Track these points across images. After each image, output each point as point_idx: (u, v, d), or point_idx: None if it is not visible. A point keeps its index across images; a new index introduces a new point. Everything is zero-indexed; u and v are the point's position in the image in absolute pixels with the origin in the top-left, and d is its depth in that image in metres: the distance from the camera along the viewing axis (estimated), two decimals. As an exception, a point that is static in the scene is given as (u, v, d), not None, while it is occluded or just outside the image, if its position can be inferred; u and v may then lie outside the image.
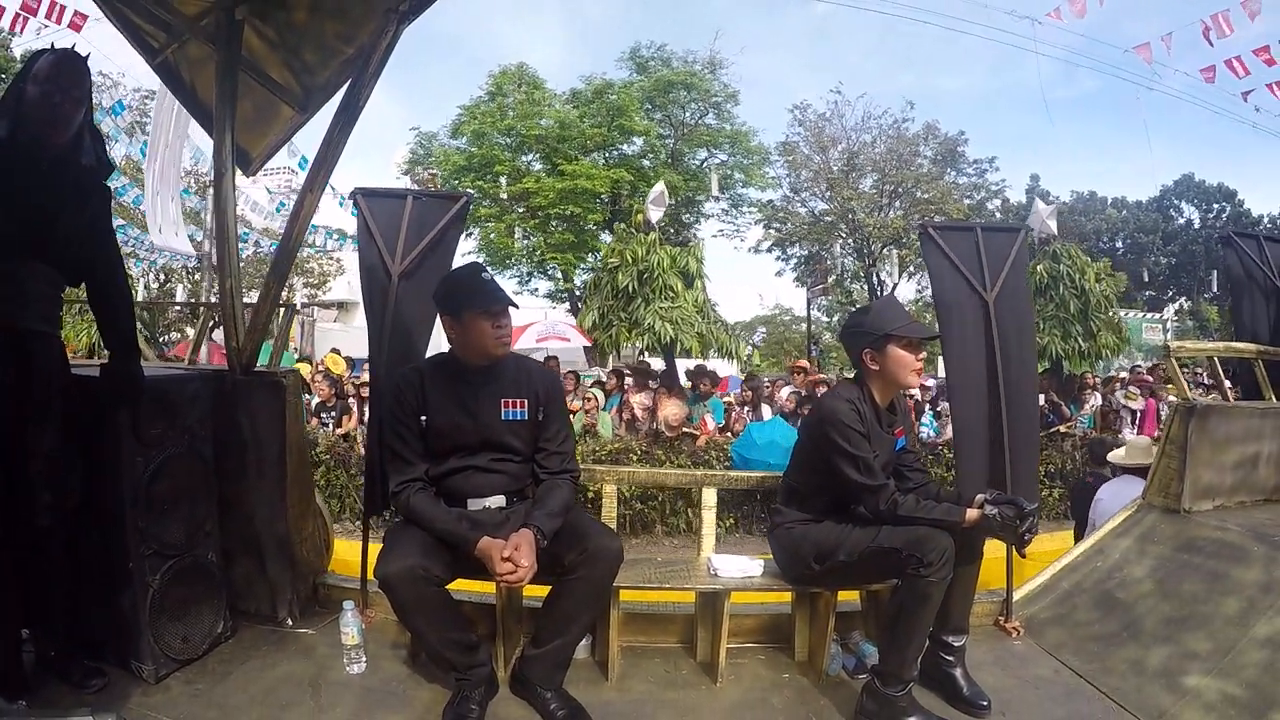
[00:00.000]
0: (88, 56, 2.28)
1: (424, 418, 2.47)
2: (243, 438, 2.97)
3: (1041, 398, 10.02)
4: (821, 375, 11.17)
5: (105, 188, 2.48)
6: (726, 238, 26.03)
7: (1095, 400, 10.86)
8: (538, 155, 21.06)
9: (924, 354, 2.66)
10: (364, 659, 2.70)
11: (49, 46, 2.29)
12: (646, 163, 21.73)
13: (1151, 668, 2.65)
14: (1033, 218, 11.78)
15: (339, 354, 12.07)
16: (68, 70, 2.24)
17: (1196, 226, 39.53)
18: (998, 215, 31.32)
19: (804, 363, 12.19)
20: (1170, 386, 11.38)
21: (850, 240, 25.55)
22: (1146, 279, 36.48)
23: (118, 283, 2.53)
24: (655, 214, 10.56)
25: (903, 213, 24.79)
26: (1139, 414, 10.29)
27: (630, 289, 10.02)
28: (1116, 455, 4.91)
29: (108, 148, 2.58)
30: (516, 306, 2.57)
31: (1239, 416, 3.53)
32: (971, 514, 2.45)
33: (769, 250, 27.18)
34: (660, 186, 11.01)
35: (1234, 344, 3.81)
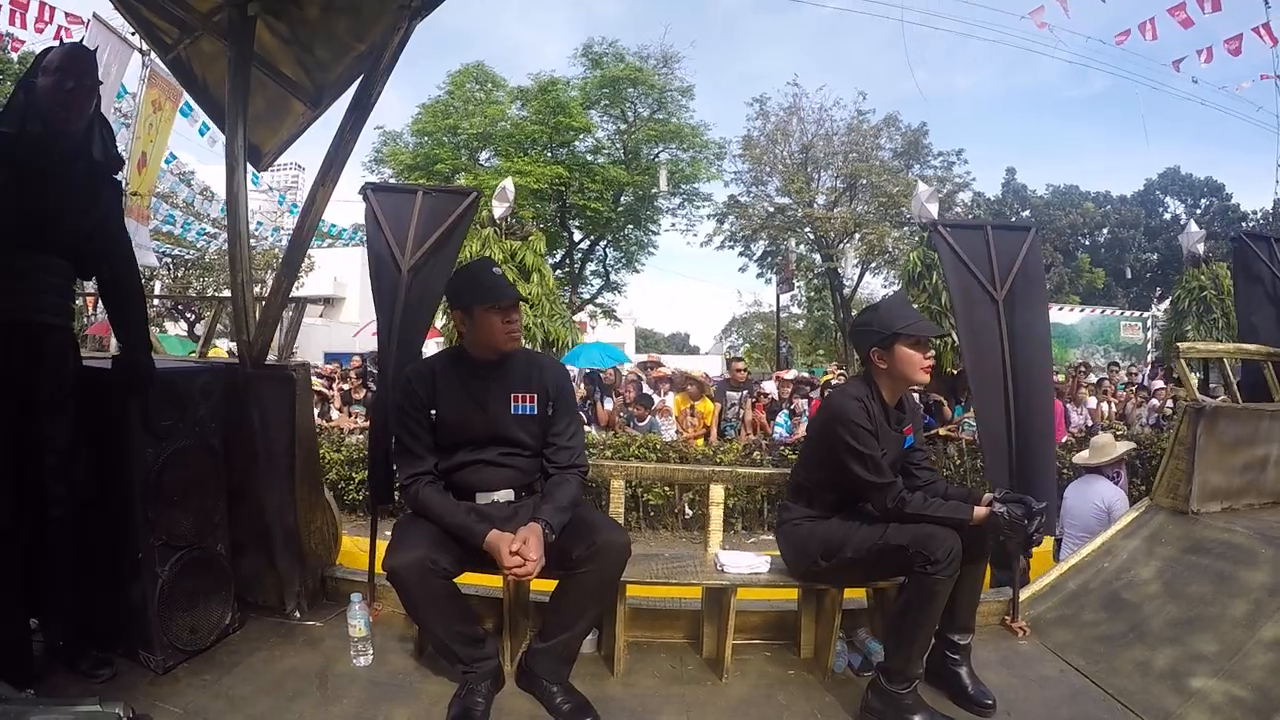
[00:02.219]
0: (96, 50, 2.31)
1: (434, 411, 2.47)
2: (252, 430, 2.98)
3: (914, 398, 9.86)
4: (665, 370, 11.20)
5: (116, 181, 2.50)
6: (679, 232, 26.02)
7: None
8: (495, 152, 21.04)
9: (933, 351, 2.66)
10: (371, 652, 2.71)
11: (57, 43, 2.32)
12: (602, 158, 21.71)
13: (1158, 669, 2.65)
14: (913, 202, 11.53)
15: (222, 349, 12.28)
16: (78, 60, 2.27)
17: (1183, 221, 39.06)
18: (979, 211, 31.26)
19: (656, 357, 12.31)
20: (1085, 390, 11.01)
21: (810, 234, 25.47)
22: (1130, 276, 35.94)
23: (130, 276, 2.55)
24: (499, 210, 10.80)
25: (866, 207, 24.82)
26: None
27: None
28: (1081, 457, 4.92)
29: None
30: (528, 302, 2.58)
31: (1248, 418, 3.52)
32: (979, 512, 2.45)
33: (725, 246, 27.03)
34: (506, 183, 11.09)
35: (1244, 345, 3.80)
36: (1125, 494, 4.85)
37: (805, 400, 9.91)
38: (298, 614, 3.01)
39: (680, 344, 53.49)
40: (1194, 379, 3.67)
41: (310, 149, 3.53)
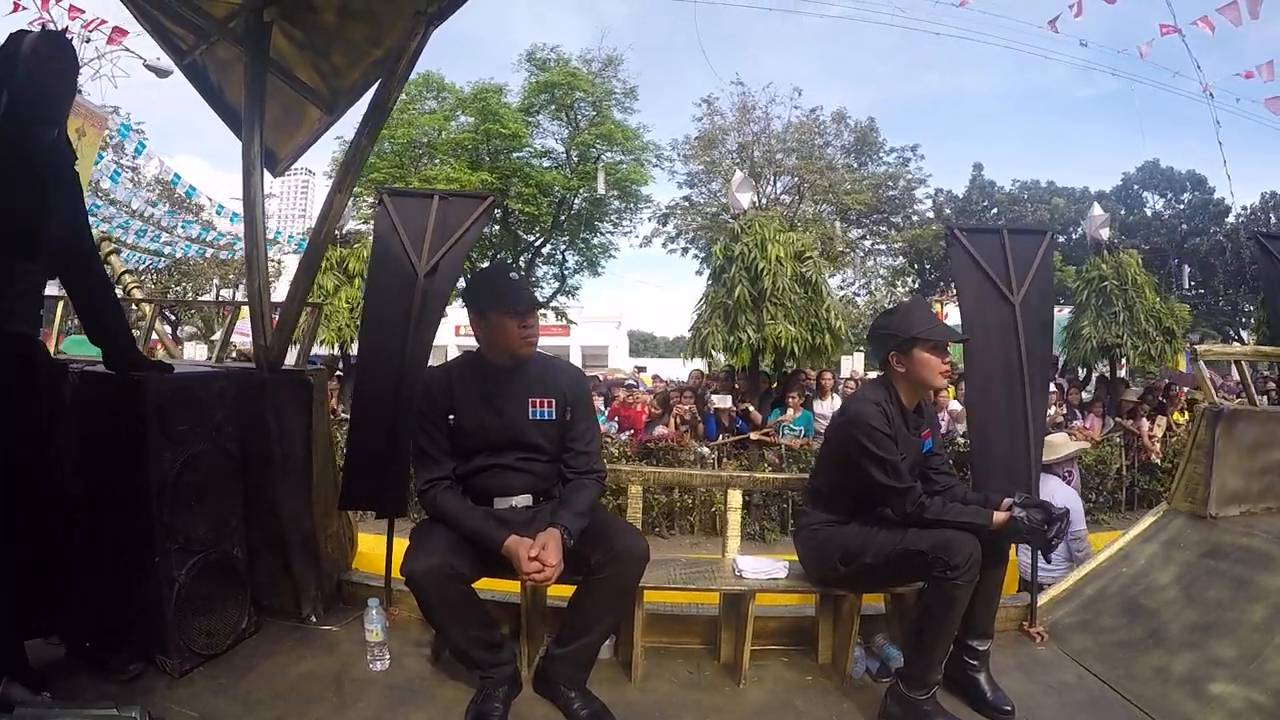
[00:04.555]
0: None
1: (452, 416, 2.47)
2: (269, 435, 2.98)
3: (728, 400, 9.41)
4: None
5: (77, 177, 2.38)
6: (623, 234, 25.33)
7: (832, 402, 9.63)
8: (439, 160, 20.94)
9: (950, 356, 2.65)
10: (387, 656, 2.71)
11: (27, 28, 2.15)
12: (548, 162, 21.70)
13: (1176, 674, 2.64)
14: (730, 194, 11.37)
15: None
16: (67, 50, 2.18)
17: (1166, 216, 37.13)
18: (949, 210, 31.03)
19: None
20: (948, 393, 9.84)
21: None
22: None
23: (104, 279, 2.52)
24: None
25: (815, 205, 24.72)
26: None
27: None
28: None
29: None
30: (544, 307, 2.58)
31: (1266, 422, 3.50)
32: (999, 517, 2.44)
33: (669, 248, 26.58)
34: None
35: (1262, 348, 3.78)
36: (1078, 494, 4.77)
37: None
38: (314, 618, 3.01)
39: (684, 347, 53.52)
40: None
41: (321, 153, 3.52)
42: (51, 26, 9.63)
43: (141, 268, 20.48)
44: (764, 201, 24.70)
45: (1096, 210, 13.54)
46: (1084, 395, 11.66)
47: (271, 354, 3.04)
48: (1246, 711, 2.37)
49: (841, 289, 28.16)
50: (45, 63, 2.10)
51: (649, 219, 25.23)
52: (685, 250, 26.54)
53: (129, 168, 19.02)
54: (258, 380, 3.01)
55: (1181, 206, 37.11)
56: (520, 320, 2.44)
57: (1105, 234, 12.41)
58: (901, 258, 29.02)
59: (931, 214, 29.88)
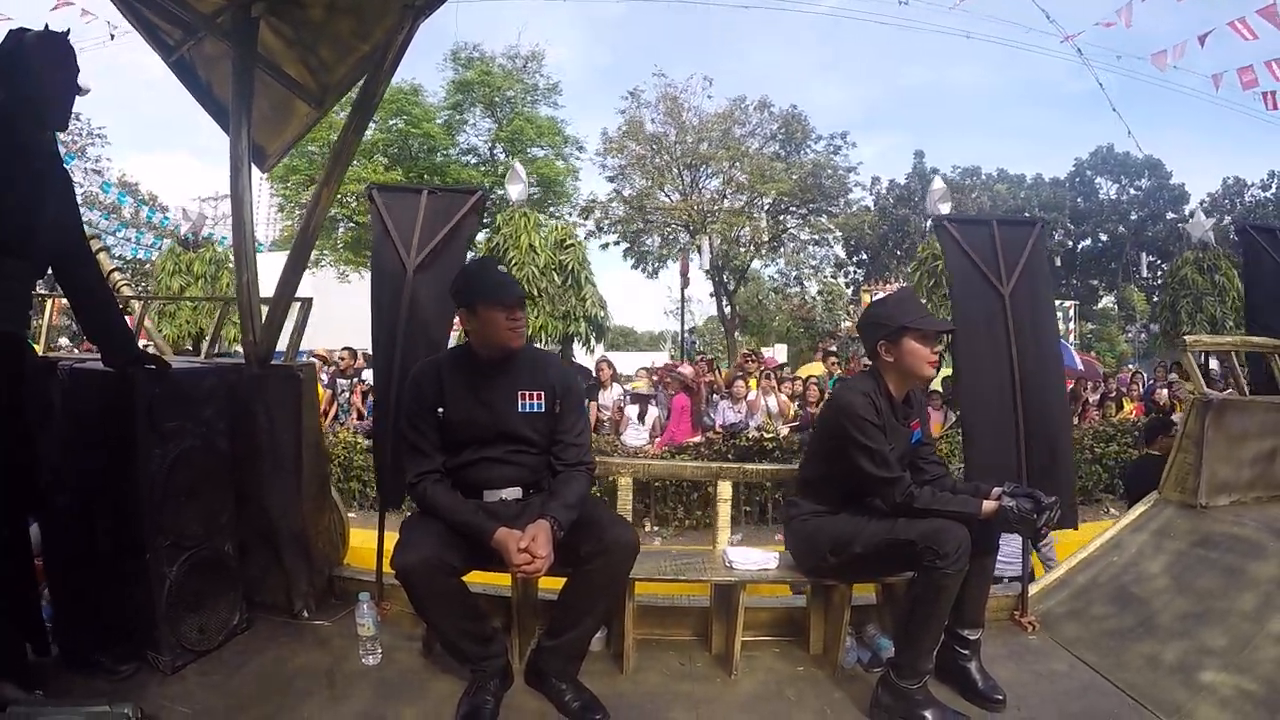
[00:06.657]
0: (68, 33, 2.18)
1: (441, 410, 2.47)
2: (259, 430, 2.99)
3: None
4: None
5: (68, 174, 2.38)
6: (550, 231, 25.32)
7: (611, 393, 9.67)
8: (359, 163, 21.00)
9: (940, 346, 2.65)
10: (379, 650, 2.71)
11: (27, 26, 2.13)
12: (472, 159, 21.96)
13: (1167, 663, 2.64)
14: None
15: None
16: (70, 51, 2.17)
17: (1121, 202, 36.41)
18: (891, 199, 30.74)
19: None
20: (749, 381, 9.87)
21: (677, 225, 25.38)
22: (1060, 263, 33.40)
23: (100, 278, 2.52)
24: (184, 227, 13.37)
25: (739, 195, 24.87)
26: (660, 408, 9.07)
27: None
28: None
29: None
30: (531, 300, 2.58)
31: (1255, 411, 3.51)
32: (989, 506, 2.44)
33: (604, 242, 26.54)
34: (188, 204, 12.59)
35: (1250, 338, 3.78)
36: None
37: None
38: (305, 613, 3.01)
39: (658, 342, 53.72)
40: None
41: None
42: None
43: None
44: (689, 192, 24.83)
45: (937, 184, 13.33)
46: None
47: (260, 349, 3.03)
48: (1237, 699, 2.37)
49: (775, 280, 28.78)
50: (44, 63, 2.10)
51: (569, 214, 25.14)
52: (617, 243, 26.55)
53: (94, 171, 19.34)
54: (247, 376, 3.01)
55: (1137, 192, 36.20)
56: (509, 313, 2.44)
57: (945, 209, 12.12)
58: (839, 246, 29.00)
59: (871, 201, 29.84)
